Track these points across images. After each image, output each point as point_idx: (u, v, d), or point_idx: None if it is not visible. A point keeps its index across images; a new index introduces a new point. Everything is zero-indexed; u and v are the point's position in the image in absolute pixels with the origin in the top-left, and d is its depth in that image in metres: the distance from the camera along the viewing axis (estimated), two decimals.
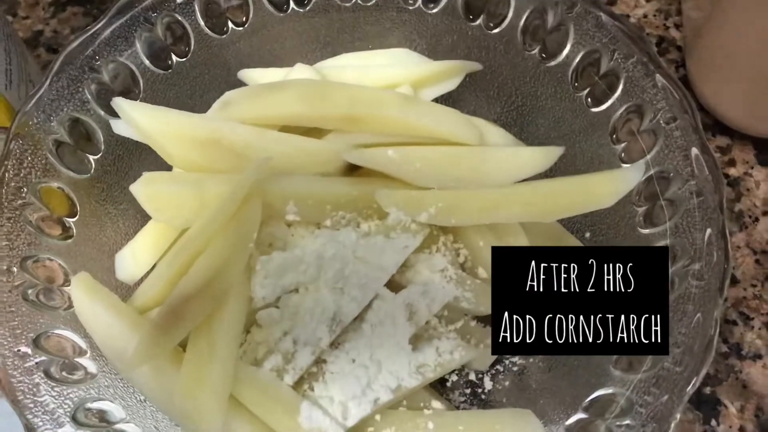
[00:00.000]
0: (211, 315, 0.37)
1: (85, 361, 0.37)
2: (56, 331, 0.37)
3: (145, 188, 0.39)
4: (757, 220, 0.50)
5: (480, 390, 0.43)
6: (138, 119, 0.41)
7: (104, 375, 0.38)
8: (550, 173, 0.44)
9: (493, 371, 0.43)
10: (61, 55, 0.41)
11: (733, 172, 0.51)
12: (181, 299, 0.36)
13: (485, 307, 0.41)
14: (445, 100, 0.47)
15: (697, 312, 0.35)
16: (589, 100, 0.43)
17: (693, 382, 0.34)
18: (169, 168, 0.43)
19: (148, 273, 0.42)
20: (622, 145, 0.42)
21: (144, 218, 0.43)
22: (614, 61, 0.42)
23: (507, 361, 0.43)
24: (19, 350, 0.36)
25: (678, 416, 0.34)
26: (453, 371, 0.42)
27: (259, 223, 0.39)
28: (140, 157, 0.44)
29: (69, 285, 0.39)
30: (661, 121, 0.40)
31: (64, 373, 0.36)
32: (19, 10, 0.58)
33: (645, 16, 0.57)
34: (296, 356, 0.38)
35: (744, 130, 0.51)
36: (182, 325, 0.36)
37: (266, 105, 0.42)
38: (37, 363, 0.36)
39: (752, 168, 0.51)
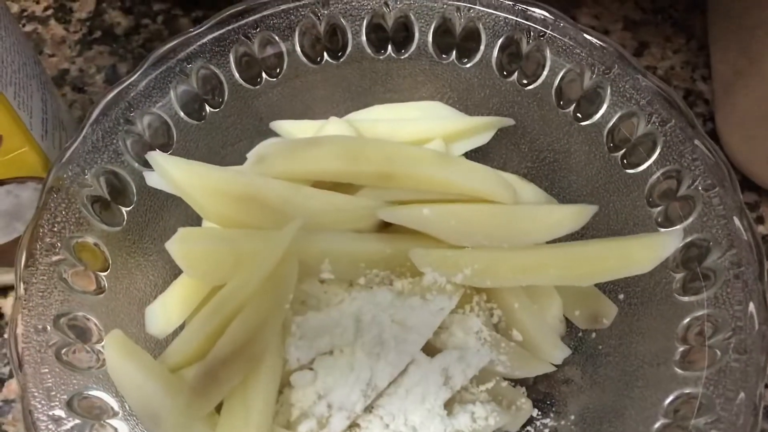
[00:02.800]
0: (246, 377, 0.37)
1: (117, 422, 0.37)
2: (89, 392, 0.37)
3: (180, 245, 0.39)
4: None
5: None
6: (173, 174, 0.40)
7: None
8: (583, 231, 0.43)
9: None
10: (97, 107, 0.41)
11: (761, 229, 0.51)
12: (217, 362, 0.36)
13: (520, 371, 0.41)
14: (475, 151, 0.47)
15: (739, 390, 0.35)
16: (624, 161, 0.43)
17: None
18: (198, 218, 0.43)
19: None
20: (659, 208, 0.42)
21: (174, 268, 0.42)
22: (651, 124, 0.42)
23: (538, 423, 0.43)
24: (53, 414, 0.35)
25: None
26: None
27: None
28: (170, 208, 0.44)
29: (102, 342, 0.38)
30: (700, 188, 0.40)
31: None
32: (46, 48, 0.58)
33: (672, 68, 0.57)
34: (331, 421, 0.38)
35: None
36: (219, 389, 0.36)
37: (301, 161, 0.42)
38: (71, 427, 0.35)
39: None
